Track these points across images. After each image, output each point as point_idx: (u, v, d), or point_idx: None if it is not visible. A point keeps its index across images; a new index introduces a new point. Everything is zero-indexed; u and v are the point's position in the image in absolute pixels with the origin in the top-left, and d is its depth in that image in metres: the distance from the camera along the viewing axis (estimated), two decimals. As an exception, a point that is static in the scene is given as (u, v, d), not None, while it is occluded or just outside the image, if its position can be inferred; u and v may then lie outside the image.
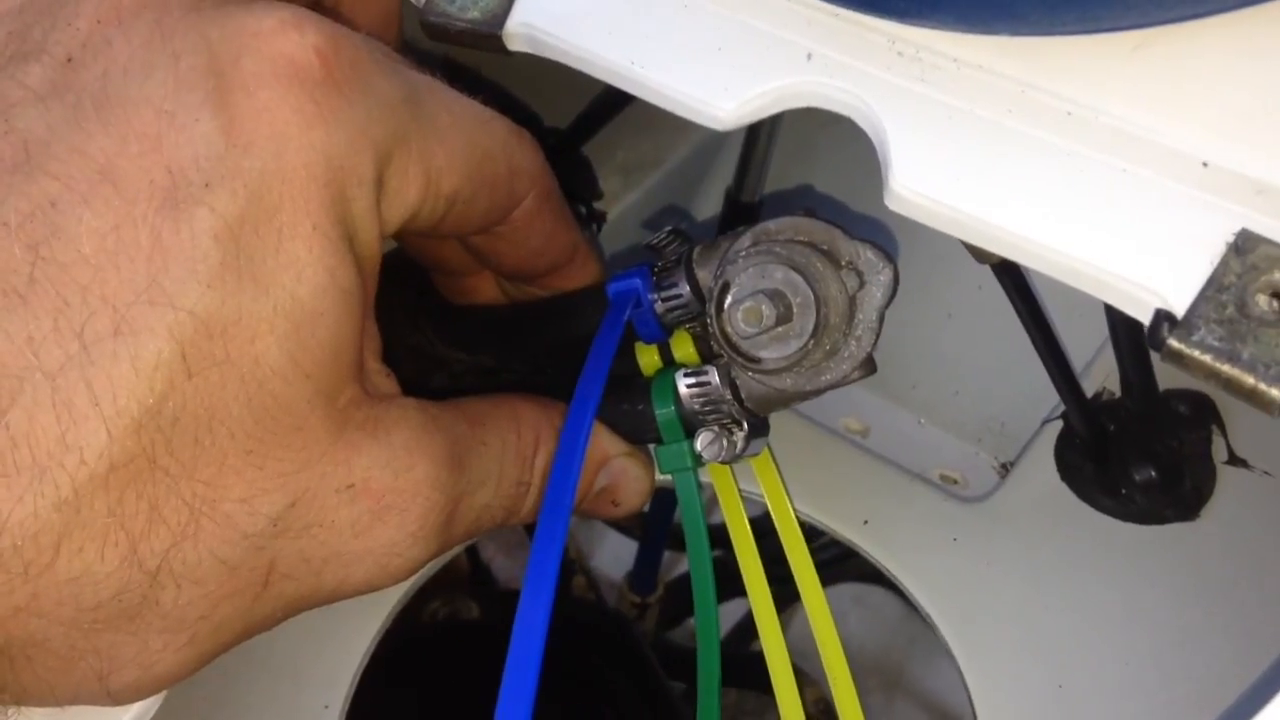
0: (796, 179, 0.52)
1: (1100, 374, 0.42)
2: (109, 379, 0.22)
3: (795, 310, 0.29)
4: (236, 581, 0.25)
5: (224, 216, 0.23)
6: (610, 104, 0.46)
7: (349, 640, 0.38)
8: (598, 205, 0.51)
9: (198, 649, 0.25)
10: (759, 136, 0.48)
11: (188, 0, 0.25)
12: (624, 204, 0.52)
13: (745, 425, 0.32)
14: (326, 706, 0.37)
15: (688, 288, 0.32)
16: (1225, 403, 0.40)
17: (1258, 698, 0.21)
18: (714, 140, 0.54)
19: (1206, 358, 0.23)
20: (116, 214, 0.23)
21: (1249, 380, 0.23)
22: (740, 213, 0.49)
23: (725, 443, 0.31)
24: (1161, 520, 0.39)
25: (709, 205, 0.55)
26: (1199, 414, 0.41)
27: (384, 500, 0.26)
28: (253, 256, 0.23)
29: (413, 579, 0.40)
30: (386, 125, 0.26)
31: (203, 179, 0.23)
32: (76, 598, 0.23)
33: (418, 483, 0.27)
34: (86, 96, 0.24)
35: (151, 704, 0.27)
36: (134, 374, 0.22)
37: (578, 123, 0.48)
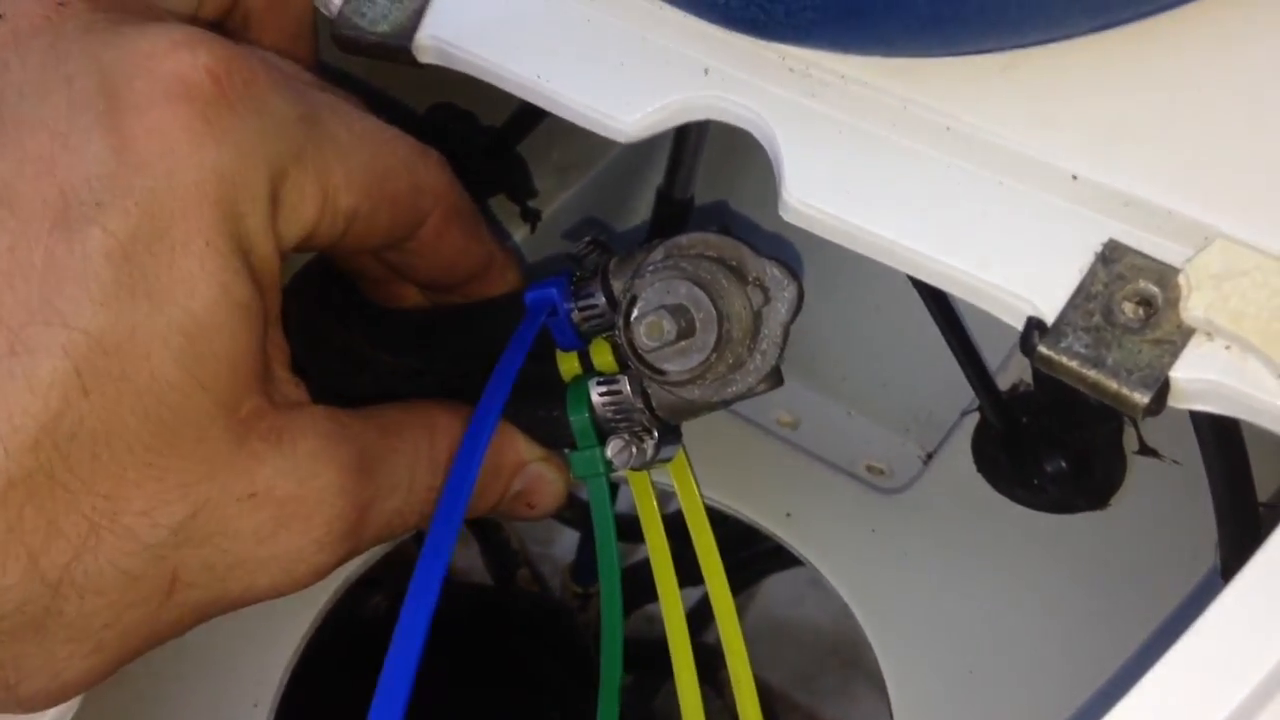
0: (731, 176, 0.53)
1: (1018, 367, 0.44)
2: (5, 398, 0.23)
3: (698, 325, 0.30)
4: (140, 591, 0.25)
5: (116, 235, 0.24)
6: (541, 104, 0.47)
7: (278, 638, 0.39)
8: (532, 204, 0.52)
9: (105, 656, 0.26)
10: (688, 134, 0.48)
11: (83, 23, 0.26)
12: (559, 203, 0.53)
13: (655, 434, 0.32)
14: (255, 705, 0.37)
15: (603, 298, 0.33)
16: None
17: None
18: (646, 140, 0.54)
19: (1073, 363, 0.24)
20: (12, 235, 0.23)
21: (1113, 385, 0.24)
22: (672, 209, 0.50)
23: (635, 450, 0.32)
24: (1073, 509, 0.41)
25: (643, 203, 0.55)
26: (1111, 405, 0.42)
27: (287, 508, 0.27)
28: (146, 274, 0.24)
29: (343, 577, 0.41)
30: (280, 143, 0.26)
31: (94, 198, 0.24)
32: None
33: (322, 490, 0.27)
34: None
35: (68, 709, 0.28)
36: (29, 393, 0.23)
37: (511, 121, 0.48)
